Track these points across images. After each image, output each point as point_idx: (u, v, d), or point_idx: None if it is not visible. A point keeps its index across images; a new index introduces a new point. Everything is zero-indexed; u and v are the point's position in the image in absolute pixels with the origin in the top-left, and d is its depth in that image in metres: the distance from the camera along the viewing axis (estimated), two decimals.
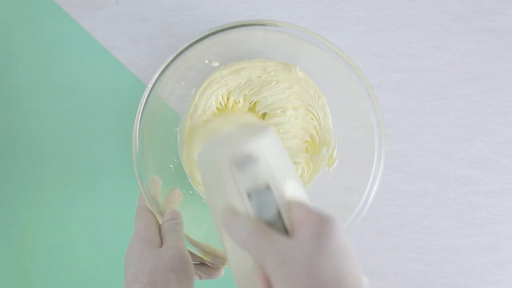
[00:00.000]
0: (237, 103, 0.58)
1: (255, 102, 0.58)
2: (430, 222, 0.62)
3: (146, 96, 0.51)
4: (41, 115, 0.60)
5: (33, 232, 0.59)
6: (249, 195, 0.34)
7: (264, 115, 0.59)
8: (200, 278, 0.51)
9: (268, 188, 0.34)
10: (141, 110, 0.51)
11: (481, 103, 0.62)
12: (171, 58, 0.51)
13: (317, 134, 0.59)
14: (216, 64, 0.57)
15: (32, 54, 0.60)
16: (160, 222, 0.48)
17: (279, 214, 0.34)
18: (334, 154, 0.58)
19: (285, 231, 0.34)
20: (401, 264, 0.62)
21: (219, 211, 0.37)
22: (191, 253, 0.48)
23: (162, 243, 0.45)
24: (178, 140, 0.58)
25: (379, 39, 0.62)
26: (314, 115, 0.58)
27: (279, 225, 0.34)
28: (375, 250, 0.62)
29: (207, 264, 0.51)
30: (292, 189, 0.36)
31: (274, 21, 0.52)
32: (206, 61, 0.56)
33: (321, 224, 0.33)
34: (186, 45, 0.51)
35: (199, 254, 0.50)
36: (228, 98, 0.58)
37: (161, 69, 0.51)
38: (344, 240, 0.33)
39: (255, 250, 0.33)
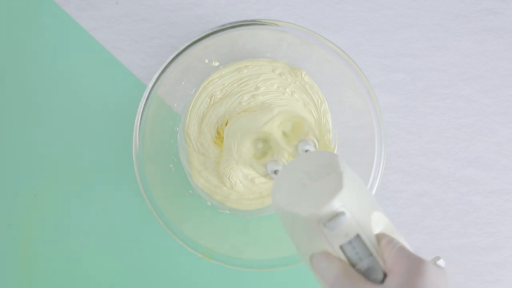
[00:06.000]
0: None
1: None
2: (430, 222, 0.61)
3: (146, 96, 0.51)
4: (41, 115, 0.60)
5: (33, 232, 0.59)
6: (341, 248, 0.35)
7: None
8: None
9: (358, 236, 0.35)
10: (141, 110, 0.51)
11: (481, 103, 0.62)
12: (171, 58, 0.51)
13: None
14: (216, 64, 0.57)
15: (32, 54, 0.60)
16: None
17: (373, 257, 0.35)
18: None
19: (384, 273, 0.34)
20: None
21: (306, 252, 0.38)
22: None
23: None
24: (178, 140, 0.58)
25: (379, 39, 0.62)
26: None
27: (376, 267, 0.35)
28: None
29: None
30: (377, 220, 0.37)
31: (274, 20, 0.52)
32: (206, 61, 0.56)
33: (410, 271, 0.32)
34: (186, 45, 0.51)
35: (200, 255, 0.50)
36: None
37: (161, 69, 0.51)
38: (437, 284, 0.31)
39: None
